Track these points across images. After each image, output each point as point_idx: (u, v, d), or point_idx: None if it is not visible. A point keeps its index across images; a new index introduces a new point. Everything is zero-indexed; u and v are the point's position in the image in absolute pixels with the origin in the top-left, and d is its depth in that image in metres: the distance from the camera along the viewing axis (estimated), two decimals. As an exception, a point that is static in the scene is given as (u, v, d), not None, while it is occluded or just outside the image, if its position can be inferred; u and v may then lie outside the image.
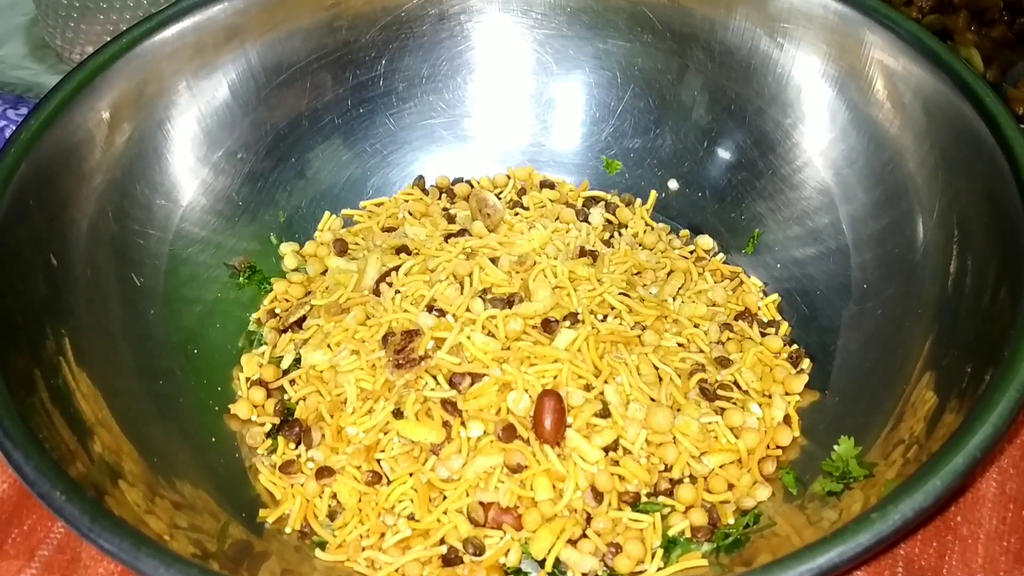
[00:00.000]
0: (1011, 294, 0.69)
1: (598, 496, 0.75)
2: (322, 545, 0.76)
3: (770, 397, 0.84)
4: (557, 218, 0.98)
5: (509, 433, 0.77)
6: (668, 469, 0.78)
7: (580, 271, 0.88)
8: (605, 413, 0.79)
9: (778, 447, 0.81)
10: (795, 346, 0.89)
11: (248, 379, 0.88)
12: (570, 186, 1.03)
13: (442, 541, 0.75)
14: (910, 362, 0.76)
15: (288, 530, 0.77)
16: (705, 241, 0.98)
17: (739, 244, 0.97)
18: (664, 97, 1.00)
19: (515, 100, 1.04)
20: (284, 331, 0.90)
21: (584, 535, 0.75)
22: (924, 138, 0.83)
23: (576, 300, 0.85)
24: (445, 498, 0.76)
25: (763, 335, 0.89)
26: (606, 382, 0.80)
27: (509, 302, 0.84)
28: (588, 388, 0.80)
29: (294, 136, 0.98)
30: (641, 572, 0.74)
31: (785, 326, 0.90)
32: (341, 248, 0.96)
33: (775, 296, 0.93)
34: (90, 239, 0.82)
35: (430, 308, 0.84)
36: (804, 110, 0.92)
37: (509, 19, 1.02)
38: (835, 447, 0.75)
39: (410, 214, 0.99)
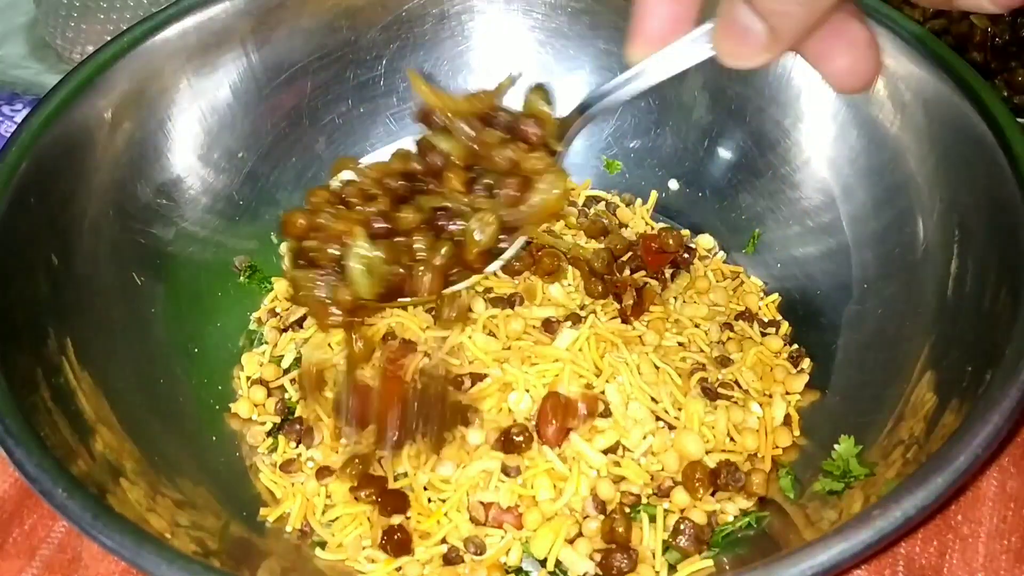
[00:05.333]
0: (1011, 294, 0.69)
1: (600, 505, 0.75)
2: (322, 544, 0.76)
3: (770, 397, 0.84)
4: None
5: (508, 444, 0.76)
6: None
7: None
8: (606, 413, 0.78)
9: (777, 447, 0.81)
10: (795, 346, 0.89)
11: (249, 378, 0.88)
12: (571, 184, 1.03)
13: (443, 540, 0.75)
14: (911, 361, 0.76)
15: (289, 528, 0.77)
16: (706, 240, 0.98)
17: (739, 244, 0.97)
18: (664, 97, 1.00)
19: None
20: (285, 330, 0.90)
21: (580, 534, 0.75)
22: (924, 137, 0.83)
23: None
24: (445, 500, 0.76)
25: (763, 335, 0.89)
26: (607, 381, 0.80)
27: (510, 302, 0.84)
28: (589, 387, 0.80)
29: (295, 136, 0.98)
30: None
31: (785, 326, 0.90)
32: None
33: (775, 296, 0.93)
34: (91, 238, 0.82)
35: (430, 310, 0.84)
36: (804, 109, 0.92)
37: (510, 19, 1.02)
38: (836, 446, 0.75)
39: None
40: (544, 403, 0.77)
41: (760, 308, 0.92)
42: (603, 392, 0.79)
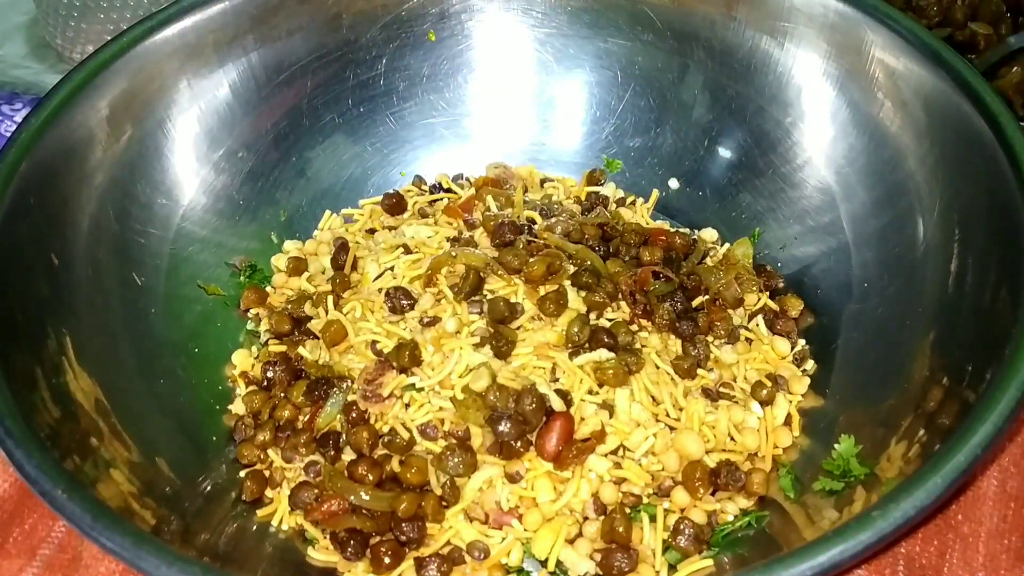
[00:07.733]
0: (1011, 293, 0.69)
1: (600, 506, 0.75)
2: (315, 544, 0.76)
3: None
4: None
5: (506, 448, 0.76)
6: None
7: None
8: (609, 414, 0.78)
9: (777, 446, 0.81)
10: (802, 342, 0.88)
11: (244, 373, 0.87)
12: (571, 181, 1.03)
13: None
14: (911, 361, 0.76)
15: (286, 527, 0.77)
16: (709, 234, 0.98)
17: (740, 243, 0.97)
18: (665, 96, 1.00)
19: (516, 99, 1.04)
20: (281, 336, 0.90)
21: (580, 534, 0.75)
22: (924, 136, 0.83)
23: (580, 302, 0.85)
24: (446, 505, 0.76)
25: (774, 333, 0.89)
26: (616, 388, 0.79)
27: (512, 308, 0.83)
28: (592, 392, 0.79)
29: (295, 135, 0.98)
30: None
31: (791, 325, 0.90)
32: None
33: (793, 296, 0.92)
34: (91, 238, 0.82)
35: (422, 320, 0.83)
36: (804, 109, 0.92)
37: (510, 18, 1.02)
38: (836, 446, 0.75)
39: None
40: (549, 421, 0.76)
41: (759, 300, 0.91)
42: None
